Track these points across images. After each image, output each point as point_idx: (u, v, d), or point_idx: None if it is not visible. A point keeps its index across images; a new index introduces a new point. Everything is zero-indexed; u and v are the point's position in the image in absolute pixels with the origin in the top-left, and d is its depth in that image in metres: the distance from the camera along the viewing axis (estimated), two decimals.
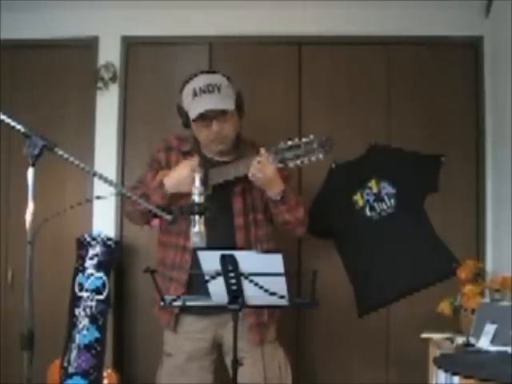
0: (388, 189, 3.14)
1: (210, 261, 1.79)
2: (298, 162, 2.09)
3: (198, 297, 1.98)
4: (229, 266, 1.75)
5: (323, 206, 3.13)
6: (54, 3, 3.19)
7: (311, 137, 2.09)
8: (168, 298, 1.90)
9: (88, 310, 2.94)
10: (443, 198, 3.13)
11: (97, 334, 2.93)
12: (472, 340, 2.32)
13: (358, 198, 3.15)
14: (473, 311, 2.53)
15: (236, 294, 1.81)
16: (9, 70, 3.31)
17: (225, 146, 2.22)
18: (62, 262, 3.16)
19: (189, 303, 1.95)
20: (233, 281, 1.78)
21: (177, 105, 2.24)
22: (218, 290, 1.83)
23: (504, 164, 2.87)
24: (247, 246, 2.21)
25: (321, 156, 2.08)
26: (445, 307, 2.71)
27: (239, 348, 2.09)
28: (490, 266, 3.04)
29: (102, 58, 3.28)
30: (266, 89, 3.22)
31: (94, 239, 3.02)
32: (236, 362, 1.85)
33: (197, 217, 1.89)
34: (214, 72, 2.26)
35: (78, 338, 2.91)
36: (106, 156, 3.25)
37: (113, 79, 3.26)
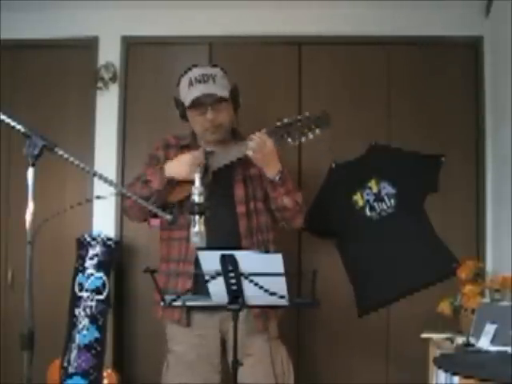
0: (388, 189, 3.14)
1: (210, 261, 1.79)
2: (296, 138, 2.12)
3: (198, 297, 1.98)
4: (229, 266, 1.75)
5: (323, 205, 3.13)
6: (54, 3, 3.19)
7: (307, 113, 2.13)
8: (168, 297, 1.90)
9: (88, 310, 2.94)
10: (443, 198, 3.13)
11: (97, 334, 2.93)
12: (472, 340, 2.32)
13: (358, 198, 3.15)
14: (473, 311, 2.53)
15: (236, 294, 1.81)
16: (9, 70, 3.32)
17: (219, 135, 2.25)
18: (62, 262, 3.16)
19: (189, 303, 1.96)
20: (233, 281, 1.78)
21: (174, 98, 2.28)
22: (218, 290, 1.83)
23: (504, 164, 2.87)
24: (249, 234, 2.22)
25: (318, 131, 2.13)
26: (445, 307, 2.71)
27: (245, 343, 2.10)
28: (490, 266, 3.04)
29: (102, 57, 3.28)
30: (266, 89, 3.23)
31: (94, 239, 3.02)
32: (236, 362, 1.85)
33: (197, 217, 1.89)
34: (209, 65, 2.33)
35: (78, 338, 2.91)
36: (106, 156, 3.25)
37: (113, 79, 3.26)
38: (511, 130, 2.75)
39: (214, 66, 2.31)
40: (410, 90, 3.22)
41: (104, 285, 2.99)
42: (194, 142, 2.31)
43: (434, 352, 2.54)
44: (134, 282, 3.22)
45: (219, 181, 2.18)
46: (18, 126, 1.49)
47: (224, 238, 2.09)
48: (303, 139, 2.15)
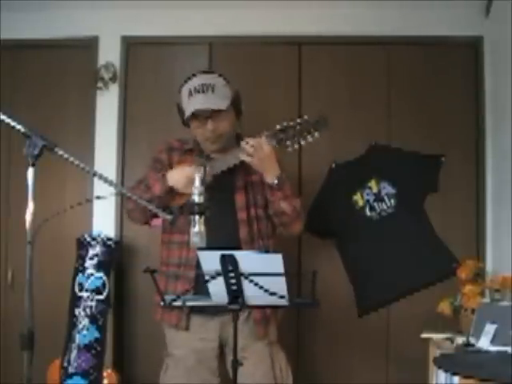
0: (388, 189, 3.14)
1: (210, 261, 1.79)
2: (296, 142, 2.12)
3: (198, 297, 1.98)
4: (229, 266, 1.75)
5: (323, 205, 3.13)
6: (53, 3, 3.19)
7: (305, 117, 2.13)
8: (168, 297, 1.90)
9: (88, 310, 2.94)
10: (443, 198, 3.13)
11: (97, 334, 2.93)
12: (472, 340, 2.32)
13: (358, 198, 3.15)
14: (473, 311, 2.53)
15: (236, 294, 1.81)
16: (9, 70, 3.32)
17: (220, 145, 2.24)
18: (62, 262, 3.16)
19: (189, 303, 1.95)
20: (233, 281, 1.78)
21: (176, 104, 2.27)
22: (218, 290, 1.83)
23: (504, 164, 2.87)
24: (250, 241, 2.22)
25: (317, 134, 2.13)
26: (445, 307, 2.71)
27: (244, 346, 2.10)
28: (490, 266, 3.04)
29: (102, 57, 3.28)
30: (266, 89, 3.23)
31: (94, 239, 3.02)
32: (236, 362, 1.85)
33: (197, 217, 1.89)
34: (211, 72, 2.30)
35: (78, 338, 2.91)
36: (106, 156, 3.25)
37: (113, 79, 3.26)
38: (511, 129, 2.75)
39: (215, 73, 2.28)
40: (410, 90, 3.22)
41: (104, 285, 2.99)
42: (198, 147, 2.30)
43: (434, 352, 2.54)
44: (134, 282, 3.22)
45: (220, 187, 2.16)
46: (18, 126, 1.49)
47: (224, 244, 2.07)
48: (302, 142, 2.14)
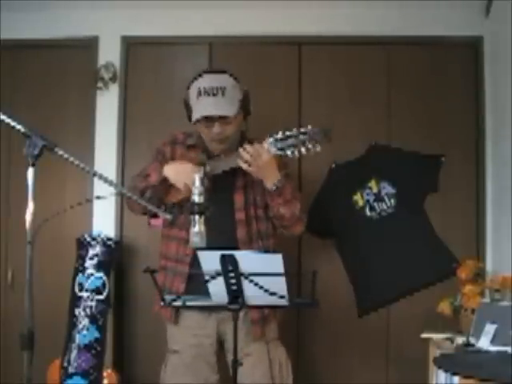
0: (388, 189, 3.14)
1: (210, 261, 1.79)
2: (296, 151, 2.11)
3: (198, 297, 1.98)
4: (229, 266, 1.75)
5: (323, 205, 3.13)
6: (53, 3, 3.19)
7: (309, 127, 2.11)
8: (168, 297, 1.90)
9: (88, 310, 2.94)
10: (443, 198, 3.13)
11: (97, 334, 2.93)
12: (472, 340, 2.32)
13: (358, 198, 3.15)
14: (473, 311, 2.53)
15: (236, 294, 1.81)
16: (9, 70, 3.32)
17: (225, 146, 2.23)
18: (62, 262, 3.16)
19: (189, 303, 1.96)
20: (233, 281, 1.79)
21: (184, 100, 2.25)
22: (218, 290, 1.83)
23: (504, 164, 2.87)
24: (248, 241, 2.21)
25: (318, 148, 2.11)
26: (445, 307, 2.71)
27: (243, 345, 2.10)
28: (490, 266, 3.04)
29: (102, 57, 3.28)
30: (266, 89, 3.22)
31: (94, 239, 3.02)
32: (236, 362, 1.86)
33: (197, 217, 1.89)
34: (222, 72, 2.23)
35: (78, 338, 2.91)
36: (105, 156, 3.25)
37: (113, 79, 3.26)
38: (511, 130, 2.75)
39: (226, 73, 2.22)
40: (409, 89, 3.22)
41: (104, 285, 2.99)
42: (201, 143, 2.30)
43: (434, 352, 2.54)
44: (134, 282, 3.22)
45: (220, 187, 2.17)
46: (18, 126, 1.49)
47: (222, 244, 2.06)
48: (303, 151, 2.12)
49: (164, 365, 2.29)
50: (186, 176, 2.09)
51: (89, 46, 3.30)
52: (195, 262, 1.96)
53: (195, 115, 2.16)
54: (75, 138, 3.23)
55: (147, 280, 1.84)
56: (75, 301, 2.97)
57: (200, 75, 2.21)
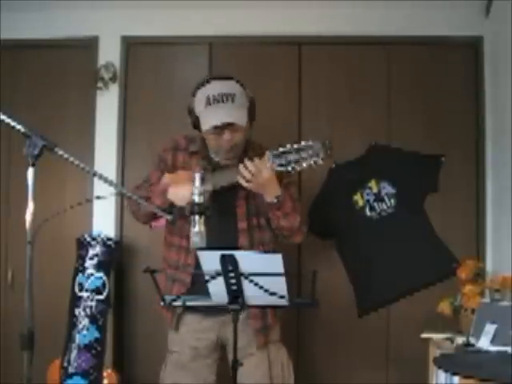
0: (388, 189, 3.14)
1: (210, 261, 1.79)
2: (297, 166, 2.09)
3: (198, 297, 1.98)
4: (229, 266, 1.75)
5: (323, 206, 3.13)
6: (53, 3, 3.19)
7: (310, 142, 2.09)
8: (168, 297, 1.90)
9: (88, 310, 2.94)
10: (443, 198, 3.13)
11: (97, 334, 2.93)
12: (472, 340, 2.32)
13: (358, 198, 3.15)
14: (473, 311, 2.53)
15: (236, 294, 1.81)
16: (9, 70, 3.32)
17: (233, 154, 2.20)
18: (62, 262, 3.16)
19: (189, 303, 1.95)
20: (233, 281, 1.78)
21: (188, 107, 2.21)
22: (218, 290, 1.83)
23: (504, 164, 2.87)
24: (249, 249, 2.19)
25: (320, 161, 2.10)
26: (445, 307, 2.71)
27: (244, 346, 2.10)
28: (490, 266, 3.04)
29: (102, 57, 3.28)
30: (266, 89, 3.21)
31: (94, 239, 3.02)
32: (236, 362, 1.86)
33: (197, 217, 1.89)
34: (229, 78, 2.20)
35: (78, 338, 2.91)
36: (105, 156, 3.25)
37: (113, 79, 3.26)
38: (511, 130, 2.75)
39: (232, 80, 2.19)
40: (409, 90, 3.22)
41: (104, 285, 2.99)
42: (203, 149, 2.26)
43: (434, 352, 2.54)
44: (134, 282, 3.22)
45: (222, 198, 2.15)
46: (18, 126, 1.49)
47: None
48: (304, 166, 2.11)
49: (164, 365, 2.30)
50: (187, 198, 2.05)
51: (89, 46, 3.30)
52: (199, 269, 1.93)
53: (207, 125, 2.12)
54: (75, 138, 3.23)
55: (147, 280, 1.84)
56: (75, 301, 2.97)
57: (206, 82, 2.16)
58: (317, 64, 3.26)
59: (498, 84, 3.04)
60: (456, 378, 2.18)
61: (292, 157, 2.09)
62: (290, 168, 2.10)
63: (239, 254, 1.76)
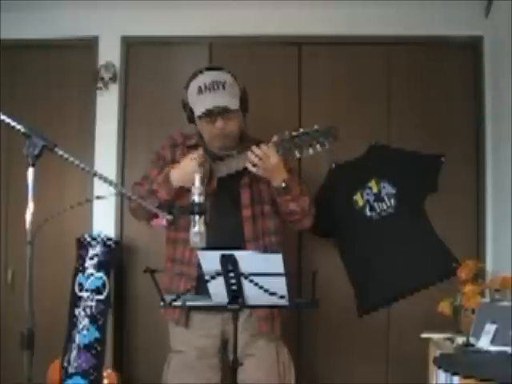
0: (388, 189, 3.14)
1: (210, 261, 1.79)
2: (304, 151, 2.11)
3: (198, 297, 1.98)
4: (229, 266, 1.75)
5: (323, 205, 3.13)
6: (53, 3, 3.19)
7: (315, 126, 2.11)
8: (168, 297, 1.90)
9: (88, 310, 2.94)
10: (443, 198, 3.13)
11: (97, 334, 2.93)
12: (472, 340, 2.32)
13: (358, 198, 3.15)
14: (473, 311, 2.53)
15: (236, 294, 1.81)
16: (9, 70, 3.32)
17: (227, 142, 2.24)
18: (62, 262, 3.16)
19: (189, 303, 1.96)
20: (233, 281, 1.79)
21: (182, 100, 2.26)
22: (218, 290, 1.83)
23: (504, 164, 2.87)
24: (255, 238, 2.22)
25: (327, 145, 2.13)
26: (445, 307, 2.70)
27: (248, 342, 2.10)
28: (489, 265, 3.04)
29: (102, 57, 3.28)
30: (265, 89, 3.22)
31: (94, 239, 3.02)
32: (236, 362, 1.86)
33: (197, 217, 1.89)
34: (219, 68, 2.26)
35: (78, 338, 2.91)
36: (105, 156, 3.25)
37: (113, 79, 3.26)
38: (511, 130, 2.75)
39: (223, 70, 2.25)
40: (409, 89, 3.22)
41: (104, 285, 2.99)
42: (201, 143, 2.29)
43: (434, 352, 2.54)
44: (134, 282, 3.22)
45: (226, 186, 2.18)
46: (18, 126, 1.49)
47: (228, 242, 2.06)
48: (311, 152, 2.14)
49: (167, 365, 2.29)
50: (192, 175, 2.08)
51: (89, 46, 3.30)
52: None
53: (199, 110, 2.16)
54: (75, 138, 3.23)
55: (147, 280, 1.84)
56: (75, 301, 2.96)
57: (197, 74, 2.21)
58: (317, 64, 3.26)
59: (497, 84, 3.04)
60: (456, 378, 2.18)
61: (298, 142, 2.11)
62: (296, 153, 2.12)
63: (239, 254, 1.76)
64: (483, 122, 3.14)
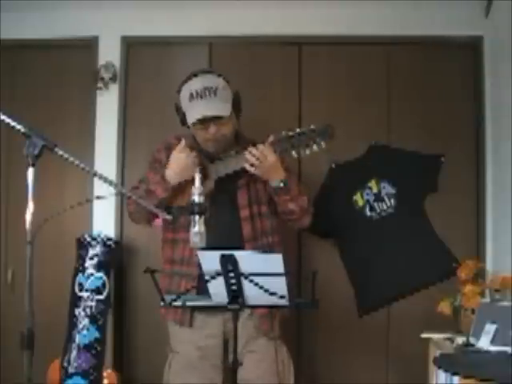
0: (388, 189, 3.14)
1: (210, 261, 1.79)
2: (301, 151, 2.12)
3: (198, 297, 1.98)
4: (229, 266, 1.75)
5: (323, 205, 3.13)
6: (53, 3, 3.19)
7: (312, 126, 2.12)
8: (168, 297, 1.90)
9: (88, 310, 2.94)
10: (443, 198, 3.13)
11: (97, 334, 2.93)
12: (472, 340, 2.32)
13: (358, 198, 3.15)
14: (473, 311, 2.53)
15: (236, 294, 1.81)
16: (9, 70, 3.32)
17: (221, 146, 2.24)
18: (62, 262, 3.16)
19: (189, 303, 1.95)
20: (233, 281, 1.78)
21: (175, 104, 2.27)
22: (218, 290, 1.83)
23: (504, 164, 2.87)
24: (254, 238, 2.23)
25: (323, 144, 2.13)
26: (445, 307, 2.70)
27: (249, 339, 2.11)
28: (490, 265, 3.04)
29: (102, 57, 3.28)
30: (265, 89, 3.22)
31: (94, 239, 3.02)
32: (236, 362, 1.86)
33: (197, 217, 1.89)
34: (210, 72, 2.26)
35: (78, 338, 2.91)
36: (105, 156, 3.25)
37: (113, 79, 3.26)
38: (511, 129, 2.75)
39: (214, 73, 2.25)
40: (409, 89, 3.22)
41: (104, 285, 2.99)
42: (196, 144, 2.30)
43: (434, 352, 2.54)
44: (134, 282, 3.22)
45: (223, 187, 2.18)
46: (18, 126, 1.49)
47: (227, 242, 2.05)
48: (307, 151, 2.14)
49: (168, 365, 2.29)
50: (187, 167, 2.12)
51: (89, 46, 3.30)
52: None
53: (190, 119, 2.17)
54: (75, 138, 3.23)
55: (147, 280, 1.84)
56: (75, 301, 2.96)
57: (189, 78, 2.21)
58: (317, 64, 3.26)
59: (497, 84, 3.04)
60: (456, 378, 2.18)
61: (295, 141, 2.12)
62: (293, 152, 2.13)
63: (239, 254, 1.76)
64: (483, 122, 3.15)
